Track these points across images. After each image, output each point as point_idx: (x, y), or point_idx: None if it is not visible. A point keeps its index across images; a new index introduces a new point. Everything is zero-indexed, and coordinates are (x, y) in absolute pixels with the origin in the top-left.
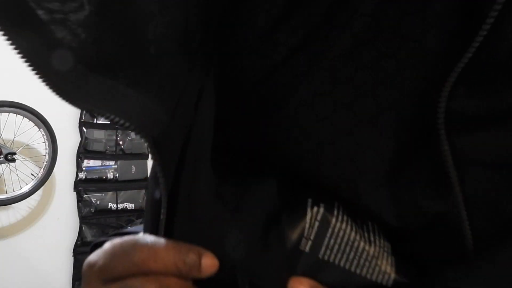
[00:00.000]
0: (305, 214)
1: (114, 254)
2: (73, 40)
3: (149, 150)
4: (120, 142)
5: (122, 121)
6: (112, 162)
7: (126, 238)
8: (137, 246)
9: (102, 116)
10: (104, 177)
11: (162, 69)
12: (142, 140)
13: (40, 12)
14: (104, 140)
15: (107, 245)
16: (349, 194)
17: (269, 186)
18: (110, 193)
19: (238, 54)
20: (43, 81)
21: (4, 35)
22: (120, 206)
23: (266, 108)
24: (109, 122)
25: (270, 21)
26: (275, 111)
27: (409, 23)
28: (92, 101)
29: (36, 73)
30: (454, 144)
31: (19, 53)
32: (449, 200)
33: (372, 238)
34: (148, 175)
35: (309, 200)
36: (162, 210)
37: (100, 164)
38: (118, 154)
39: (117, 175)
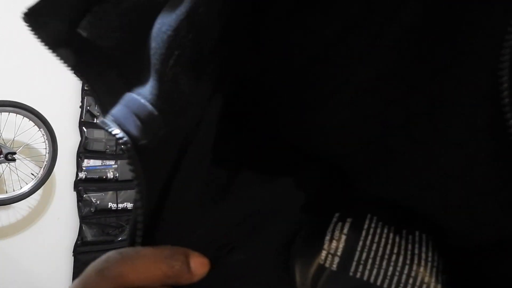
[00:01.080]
0: (325, 232)
1: (88, 277)
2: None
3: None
4: None
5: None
6: (112, 162)
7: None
8: (110, 260)
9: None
10: (104, 177)
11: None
12: None
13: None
14: (104, 140)
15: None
16: (403, 197)
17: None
18: (110, 192)
19: (289, 27)
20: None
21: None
22: (120, 205)
23: (314, 93)
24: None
25: None
26: (327, 95)
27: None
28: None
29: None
30: None
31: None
32: None
33: (416, 251)
34: None
35: (336, 215)
36: (138, 224)
37: (100, 164)
38: (118, 154)
39: (117, 175)
